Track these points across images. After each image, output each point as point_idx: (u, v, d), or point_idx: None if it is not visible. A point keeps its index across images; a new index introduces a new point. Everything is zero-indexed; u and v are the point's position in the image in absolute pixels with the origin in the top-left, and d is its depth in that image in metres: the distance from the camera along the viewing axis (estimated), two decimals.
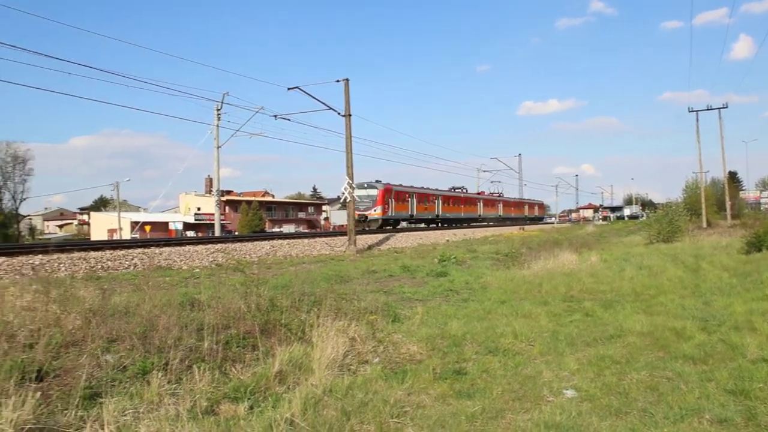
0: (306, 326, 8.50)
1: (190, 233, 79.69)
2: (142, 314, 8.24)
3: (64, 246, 22.04)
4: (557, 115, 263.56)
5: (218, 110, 41.31)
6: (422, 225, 62.19)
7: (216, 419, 5.39)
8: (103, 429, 4.71)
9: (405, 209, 54.68)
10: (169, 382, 6.08)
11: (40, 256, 18.41)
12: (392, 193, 51.77)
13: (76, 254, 19.49)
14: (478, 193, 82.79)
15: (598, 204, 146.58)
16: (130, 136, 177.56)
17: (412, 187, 57.87)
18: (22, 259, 17.70)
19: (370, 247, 33.09)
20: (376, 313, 10.16)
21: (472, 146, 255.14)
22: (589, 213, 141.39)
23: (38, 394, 5.03)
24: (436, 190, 65.12)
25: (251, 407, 5.78)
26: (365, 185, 49.38)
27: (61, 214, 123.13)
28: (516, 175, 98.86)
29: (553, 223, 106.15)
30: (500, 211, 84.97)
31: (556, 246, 25.24)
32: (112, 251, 21.05)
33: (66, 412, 5.24)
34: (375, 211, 49.11)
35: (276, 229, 52.04)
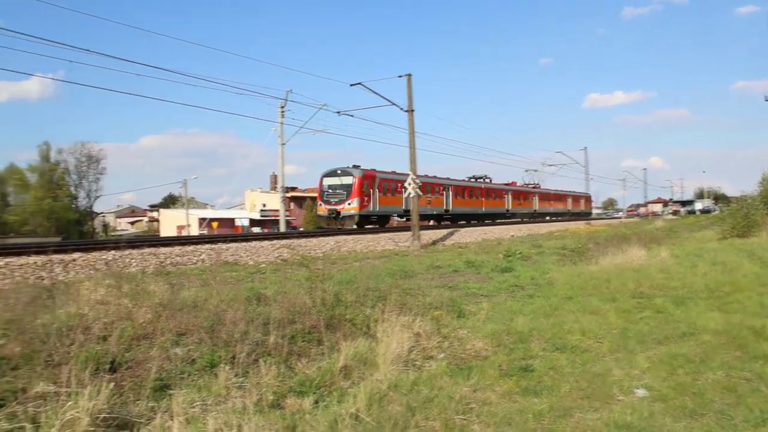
0: (370, 321, 8.49)
1: (256, 229, 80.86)
2: (209, 308, 8.40)
3: (135, 242, 22.68)
4: (624, 107, 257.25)
5: (282, 108, 41.78)
6: (430, 223, 51.74)
7: (282, 413, 5.42)
8: (172, 420, 4.79)
9: (396, 202, 43.24)
10: (236, 376, 6.15)
11: (112, 251, 18.95)
12: (375, 182, 40.88)
13: (146, 250, 20.01)
14: (507, 184, 68.67)
15: (667, 198, 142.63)
16: (197, 135, 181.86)
17: (405, 174, 46.60)
18: (96, 254, 18.26)
19: (434, 243, 32.97)
20: (441, 308, 10.10)
21: (535, 140, 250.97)
22: (657, 207, 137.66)
23: (111, 384, 5.15)
24: (447, 179, 52.49)
25: (316, 402, 5.80)
26: (338, 171, 40.11)
27: (132, 212, 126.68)
28: (582, 169, 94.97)
29: (619, 217, 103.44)
30: (535, 205, 72.91)
31: (624, 241, 24.54)
32: (180, 247, 21.54)
33: (138, 402, 5.36)
34: (349, 204, 38.79)
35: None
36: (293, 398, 5.84)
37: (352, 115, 37.09)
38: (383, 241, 31.00)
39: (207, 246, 22.53)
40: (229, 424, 4.65)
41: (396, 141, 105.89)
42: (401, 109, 31.65)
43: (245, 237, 28.40)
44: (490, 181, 63.20)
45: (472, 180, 60.94)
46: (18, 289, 11.48)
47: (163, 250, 20.53)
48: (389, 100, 32.73)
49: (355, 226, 38.82)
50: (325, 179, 40.68)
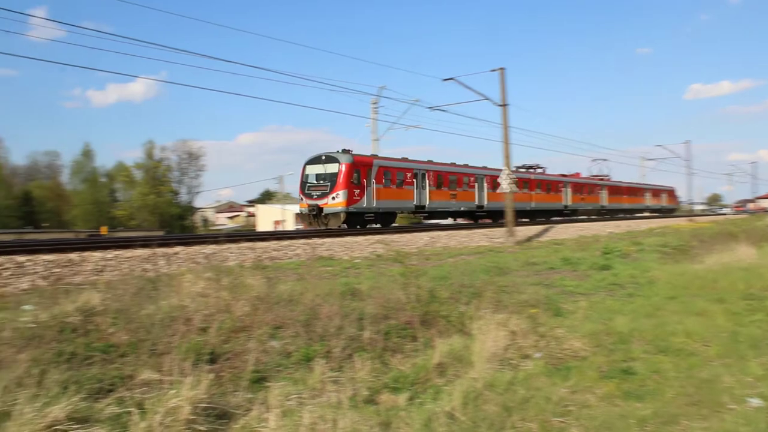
0: (465, 318, 8.38)
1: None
2: (305, 302, 8.50)
3: (234, 236, 23.31)
4: (730, 98, 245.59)
5: (375, 104, 42.08)
6: (447, 222, 44.57)
7: (376, 409, 5.41)
8: (269, 412, 4.84)
9: (403, 196, 35.03)
10: (331, 370, 6.19)
11: (212, 245, 19.54)
12: (372, 171, 32.67)
13: (243, 244, 20.52)
14: (564, 175, 56.91)
15: None
16: (292, 132, 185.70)
17: (418, 162, 37.37)
18: (197, 248, 18.87)
19: (528, 239, 32.42)
20: (537, 306, 9.87)
21: (634, 134, 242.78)
22: None
23: (211, 375, 5.28)
24: (483, 168, 43.50)
25: (411, 398, 5.75)
26: (323, 157, 32.17)
27: (230, 207, 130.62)
28: (683, 163, 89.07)
29: (725, 214, 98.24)
30: (603, 200, 61.69)
31: (732, 239, 23.38)
32: (277, 242, 22.00)
33: (235, 393, 5.46)
34: (334, 199, 30.67)
35: (433, 221, 45.56)
36: (387, 394, 5.82)
37: (444, 110, 36.84)
38: (477, 237, 30.76)
39: (302, 241, 22.90)
40: (325, 418, 4.66)
41: (490, 136, 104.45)
42: (494, 103, 31.24)
43: (340, 232, 28.72)
44: (544, 171, 53.81)
45: (521, 170, 50.60)
46: (125, 280, 11.97)
47: (260, 244, 21.02)
48: (482, 95, 32.31)
49: (344, 225, 31.22)
50: (307, 167, 32.75)
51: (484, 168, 43.89)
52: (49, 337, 6.69)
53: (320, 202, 31.15)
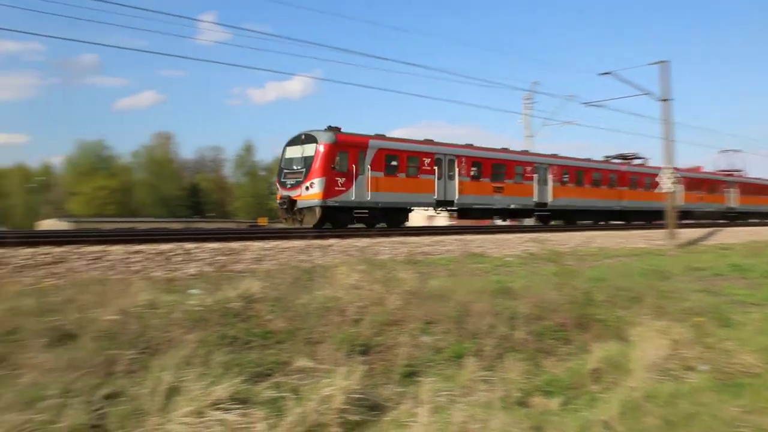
0: (623, 323, 8.00)
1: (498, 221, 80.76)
2: (456, 299, 8.44)
3: (386, 231, 23.69)
4: None
5: (528, 99, 41.30)
6: (502, 222, 36.45)
7: (528, 412, 5.26)
8: (419, 407, 4.83)
9: (419, 188, 27.63)
10: (481, 369, 6.09)
11: (366, 239, 19.98)
12: (367, 155, 25.87)
13: (396, 239, 20.83)
14: (685, 169, 44.42)
15: None
16: (444, 128, 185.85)
17: (443, 145, 29.64)
18: (350, 241, 19.35)
19: (691, 243, 30.56)
20: (703, 315, 9.23)
21: None
22: None
23: (364, 366, 5.35)
24: (553, 155, 35.89)
25: (564, 403, 5.55)
26: (302, 137, 25.81)
27: None
28: None
29: None
30: (732, 200, 49.64)
31: None
32: (429, 237, 22.15)
33: (386, 386, 5.51)
34: (308, 189, 24.28)
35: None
36: (540, 397, 5.65)
37: (600, 106, 35.23)
38: (634, 238, 29.41)
39: (454, 237, 22.91)
40: (475, 418, 4.59)
41: (651, 132, 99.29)
42: (655, 98, 29.64)
43: (491, 229, 28.46)
44: (645, 162, 43.31)
45: (614, 161, 41.65)
46: (283, 270, 12.47)
47: (412, 239, 21.23)
48: (642, 90, 30.72)
49: (328, 225, 25.05)
50: (287, 150, 26.67)
51: (553, 156, 36.04)
52: (213, 320, 7.08)
53: (293, 193, 24.78)
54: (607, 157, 42.27)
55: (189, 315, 7.21)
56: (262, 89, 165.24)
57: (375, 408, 4.86)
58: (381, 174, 26.17)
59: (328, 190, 24.20)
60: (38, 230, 22.17)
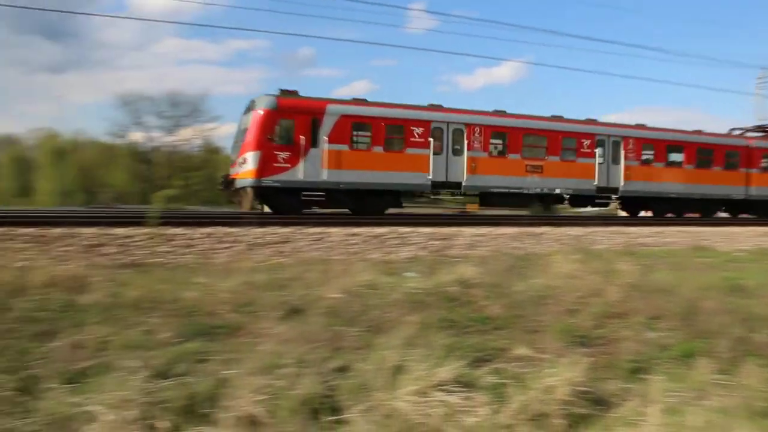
0: None
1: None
2: (682, 294, 7.97)
3: (605, 219, 22.90)
4: None
5: (761, 78, 37.47)
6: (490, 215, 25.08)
7: None
8: (648, 406, 4.60)
9: (392, 165, 21.88)
10: (715, 372, 5.66)
11: (580, 228, 19.48)
12: (316, 122, 20.83)
13: (612, 228, 20.16)
14: None
15: None
16: (660, 112, 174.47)
17: (444, 110, 23.31)
18: (563, 229, 18.97)
19: None
20: None
21: None
22: None
23: (589, 359, 5.21)
24: (622, 126, 27.36)
25: None
26: (249, 104, 22.15)
27: None
28: None
29: None
30: None
31: None
32: (648, 227, 21.21)
33: (609, 381, 5.31)
34: (241, 165, 20.53)
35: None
36: None
37: None
38: None
39: (675, 228, 21.74)
40: (713, 423, 4.28)
41: None
42: None
43: (717, 222, 26.46)
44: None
45: (735, 134, 31.31)
46: (496, 256, 12.49)
47: (630, 229, 20.41)
48: None
49: (267, 209, 21.53)
50: (241, 119, 22.73)
51: (628, 126, 27.17)
52: (432, 303, 7.25)
53: (233, 171, 21.29)
54: (734, 129, 32.07)
55: (408, 297, 7.46)
56: (470, 76, 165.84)
57: (599, 403, 4.70)
58: (345, 147, 21.22)
59: (264, 167, 20.03)
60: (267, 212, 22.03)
